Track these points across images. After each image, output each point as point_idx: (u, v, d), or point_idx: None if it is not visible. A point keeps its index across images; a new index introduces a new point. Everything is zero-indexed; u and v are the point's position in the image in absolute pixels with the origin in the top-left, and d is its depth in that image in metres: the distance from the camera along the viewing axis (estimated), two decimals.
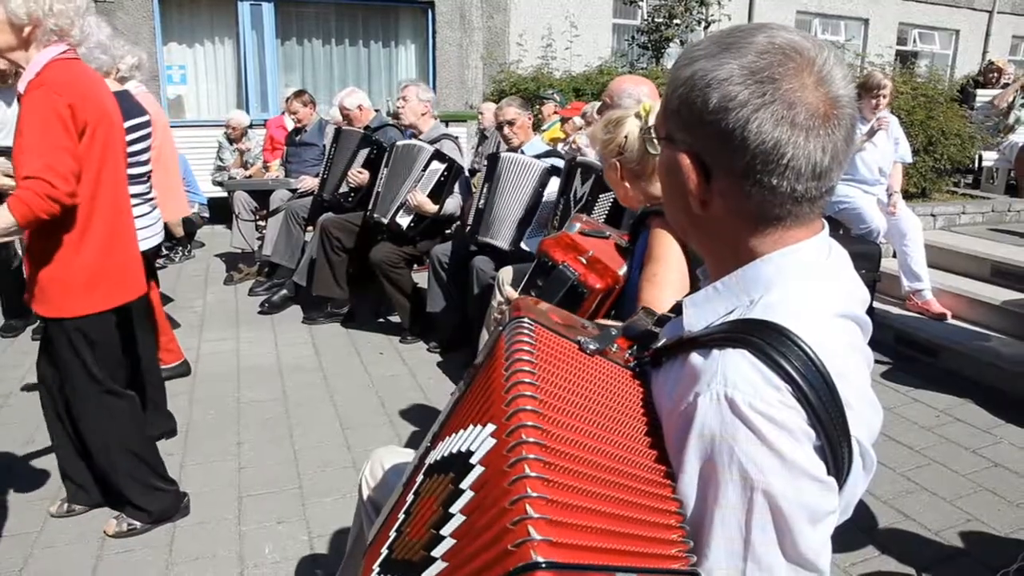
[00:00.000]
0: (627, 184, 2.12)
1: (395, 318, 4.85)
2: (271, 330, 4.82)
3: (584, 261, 2.03)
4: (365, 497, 1.63)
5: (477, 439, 0.82)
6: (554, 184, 4.03)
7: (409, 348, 4.55)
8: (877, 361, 4.34)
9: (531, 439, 0.74)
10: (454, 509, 0.81)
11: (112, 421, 2.49)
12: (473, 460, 0.81)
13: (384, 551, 0.97)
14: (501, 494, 0.72)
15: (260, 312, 5.14)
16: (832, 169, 0.83)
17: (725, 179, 0.85)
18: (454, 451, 0.87)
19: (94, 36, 2.65)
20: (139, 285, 2.56)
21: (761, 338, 0.80)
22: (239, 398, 3.77)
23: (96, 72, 2.44)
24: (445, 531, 0.82)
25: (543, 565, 0.66)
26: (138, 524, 2.58)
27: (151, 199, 3.08)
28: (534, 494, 0.69)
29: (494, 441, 0.79)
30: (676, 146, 0.89)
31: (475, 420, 0.85)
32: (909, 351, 4.51)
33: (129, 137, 2.81)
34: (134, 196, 2.93)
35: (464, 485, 0.81)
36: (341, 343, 4.63)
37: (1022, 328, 4.37)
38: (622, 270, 2.04)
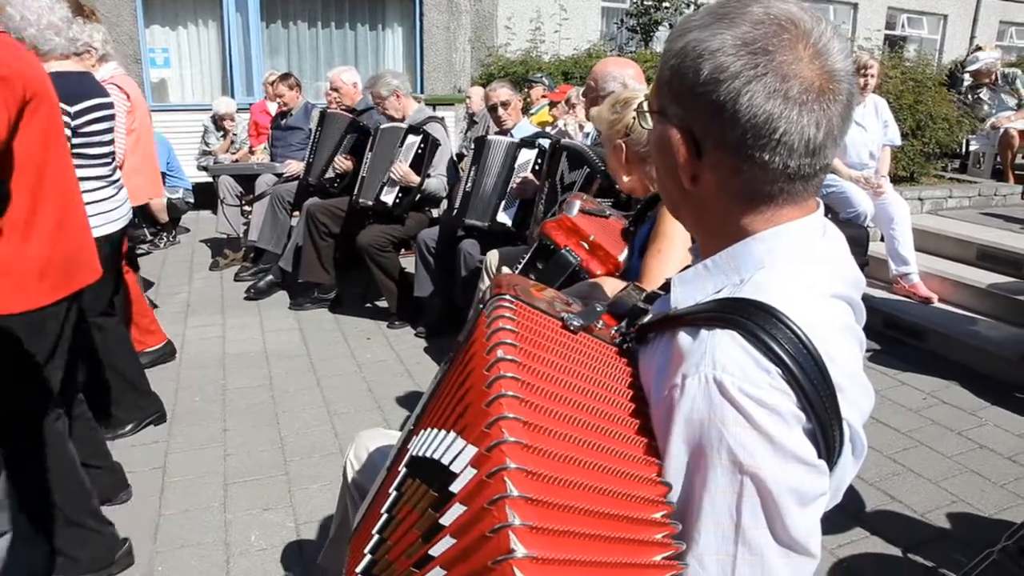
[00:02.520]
0: (630, 168, 2.10)
1: (382, 303, 4.83)
2: (257, 316, 4.78)
3: (586, 246, 2.01)
4: (350, 480, 1.61)
5: (458, 458, 0.78)
6: (525, 156, 4.04)
7: (396, 333, 4.52)
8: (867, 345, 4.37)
9: (515, 492, 0.69)
10: (435, 552, 0.77)
11: (39, 447, 2.16)
12: (454, 488, 0.77)
13: (367, 555, 0.95)
14: (484, 571, 0.68)
15: (246, 298, 5.09)
16: (827, 146, 0.81)
17: (716, 154, 0.83)
18: (433, 455, 0.83)
19: (44, 17, 2.57)
20: (89, 271, 2.28)
21: (750, 319, 0.78)
22: (225, 384, 3.74)
23: (26, 49, 2.22)
24: None
25: None
26: None
27: (115, 181, 3.03)
28: None
29: (474, 472, 0.74)
30: (667, 120, 0.87)
31: (454, 425, 0.81)
32: (896, 334, 4.53)
33: (88, 117, 2.78)
34: (97, 179, 2.90)
35: (445, 521, 0.77)
36: (328, 328, 4.60)
37: (1008, 311, 4.40)
38: (622, 256, 2.02)
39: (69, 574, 2.25)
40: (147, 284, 5.02)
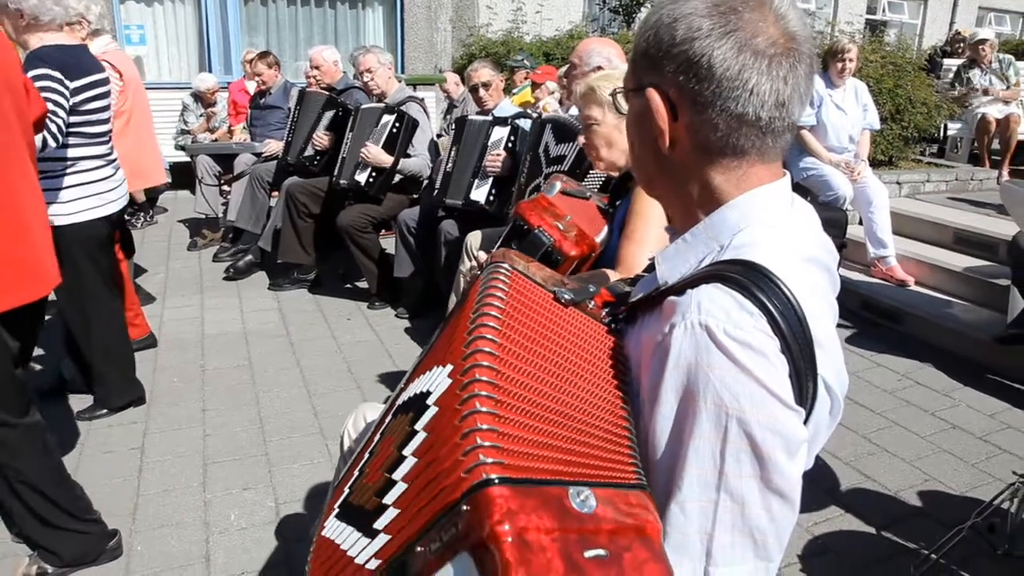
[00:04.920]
0: (622, 143, 2.10)
1: (362, 284, 4.80)
2: (236, 296, 4.74)
3: (561, 226, 2.00)
4: (346, 449, 1.62)
5: (436, 380, 0.83)
6: (498, 133, 4.05)
7: (377, 314, 4.51)
8: (842, 326, 4.42)
9: (484, 378, 0.73)
10: (407, 451, 0.81)
11: (5, 456, 2.05)
12: (429, 401, 0.82)
13: (347, 489, 0.98)
14: (452, 431, 0.72)
15: (225, 278, 5.05)
16: (793, 100, 0.85)
17: (692, 112, 0.86)
18: (417, 392, 0.88)
19: None
20: (36, 284, 2.04)
21: (733, 273, 0.80)
22: (204, 365, 3.71)
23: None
24: (397, 475, 0.81)
25: (495, 481, 0.65)
26: (50, 569, 2.22)
27: (113, 160, 2.98)
28: (484, 427, 0.69)
29: (449, 381, 0.79)
30: (645, 88, 0.89)
31: (439, 362, 0.86)
32: (873, 316, 4.58)
33: (90, 93, 2.72)
34: (96, 158, 2.85)
35: (418, 427, 0.81)
36: (308, 309, 4.57)
37: (982, 294, 4.46)
38: (600, 236, 2.01)
39: (48, 563, 2.22)
40: (138, 270, 4.96)
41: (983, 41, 6.79)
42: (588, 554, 0.65)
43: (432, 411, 0.80)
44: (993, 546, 2.38)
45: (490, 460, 0.66)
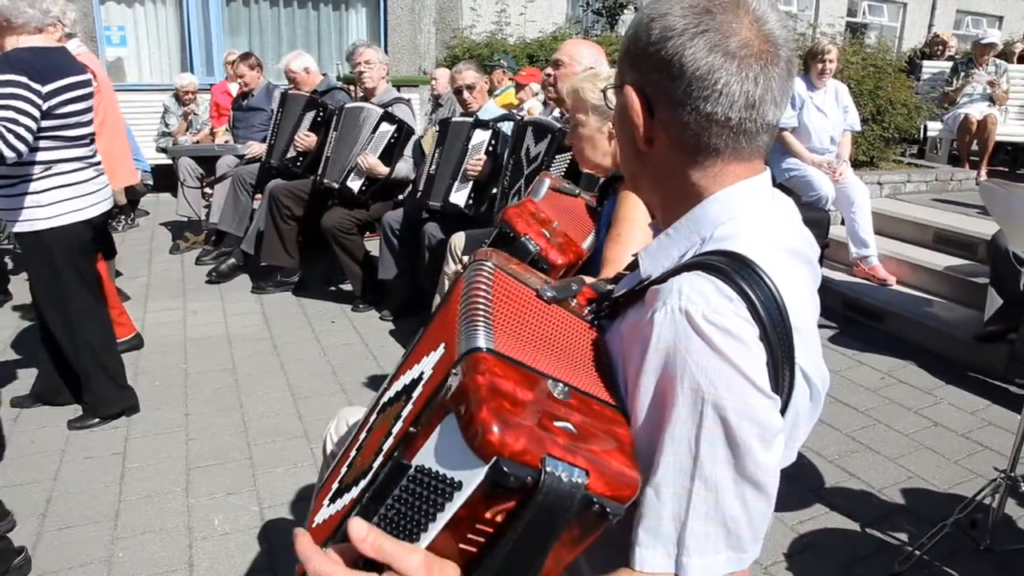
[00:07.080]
0: (605, 145, 2.10)
1: (347, 286, 4.78)
2: (219, 300, 4.71)
3: (547, 234, 1.99)
4: (328, 453, 1.60)
5: (429, 362, 0.84)
6: (479, 136, 4.05)
7: (361, 316, 4.49)
8: (825, 326, 4.45)
9: (481, 330, 0.77)
10: (404, 413, 0.83)
11: None
12: (423, 377, 0.84)
13: (335, 486, 0.97)
14: (449, 362, 0.76)
15: (208, 281, 5.01)
16: (766, 102, 0.86)
17: (666, 110, 0.88)
18: (406, 383, 0.89)
19: None
20: None
21: (715, 262, 0.81)
22: (186, 369, 3.68)
23: None
24: (394, 430, 0.83)
25: (483, 349, 0.74)
26: None
27: (96, 163, 2.93)
28: (481, 328, 0.77)
29: (443, 352, 0.82)
30: (625, 85, 0.91)
31: (428, 351, 0.87)
32: (855, 316, 4.62)
33: (65, 96, 2.68)
34: (75, 160, 2.81)
35: (414, 395, 0.83)
36: (292, 312, 4.54)
37: (962, 293, 4.50)
38: (587, 241, 2.01)
39: None
40: (117, 273, 4.89)
41: (992, 45, 6.86)
42: (557, 424, 0.70)
43: (427, 375, 0.82)
44: (976, 541, 2.40)
45: (482, 340, 0.75)
